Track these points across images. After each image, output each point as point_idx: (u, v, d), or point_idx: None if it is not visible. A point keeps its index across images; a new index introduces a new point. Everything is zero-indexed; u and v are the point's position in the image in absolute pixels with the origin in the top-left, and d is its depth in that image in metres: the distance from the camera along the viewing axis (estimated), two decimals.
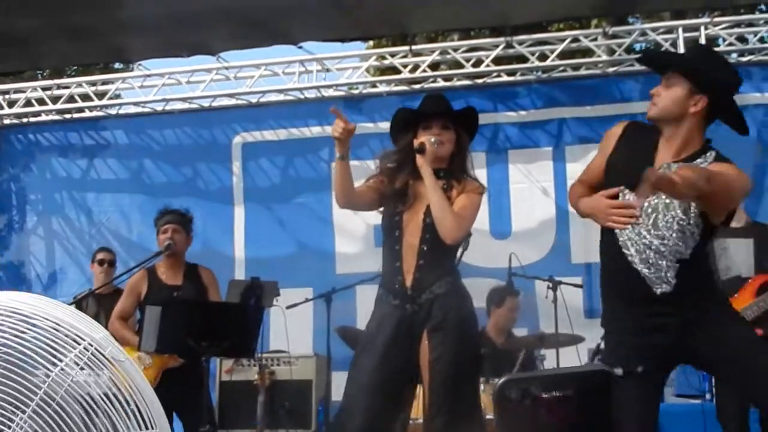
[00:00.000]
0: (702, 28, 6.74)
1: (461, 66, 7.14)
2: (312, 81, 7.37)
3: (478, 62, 7.11)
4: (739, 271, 4.84)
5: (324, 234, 7.18)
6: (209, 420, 4.66)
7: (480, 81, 7.22)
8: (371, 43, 11.01)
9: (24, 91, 7.87)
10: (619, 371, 2.94)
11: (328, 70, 7.37)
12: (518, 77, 7.20)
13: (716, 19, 6.81)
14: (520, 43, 6.97)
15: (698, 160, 2.97)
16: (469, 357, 3.49)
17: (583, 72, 7.11)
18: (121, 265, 6.27)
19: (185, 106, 7.72)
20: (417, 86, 7.34)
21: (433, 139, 3.56)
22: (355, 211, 4.60)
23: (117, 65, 10.39)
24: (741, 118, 3.09)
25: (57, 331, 1.88)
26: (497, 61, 7.16)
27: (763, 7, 9.69)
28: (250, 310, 4.95)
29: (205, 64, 7.40)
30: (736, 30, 6.84)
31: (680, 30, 6.75)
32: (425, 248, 3.50)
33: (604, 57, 7.03)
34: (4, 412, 1.90)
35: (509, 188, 6.99)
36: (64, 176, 7.91)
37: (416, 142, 3.58)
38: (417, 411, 4.08)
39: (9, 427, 1.88)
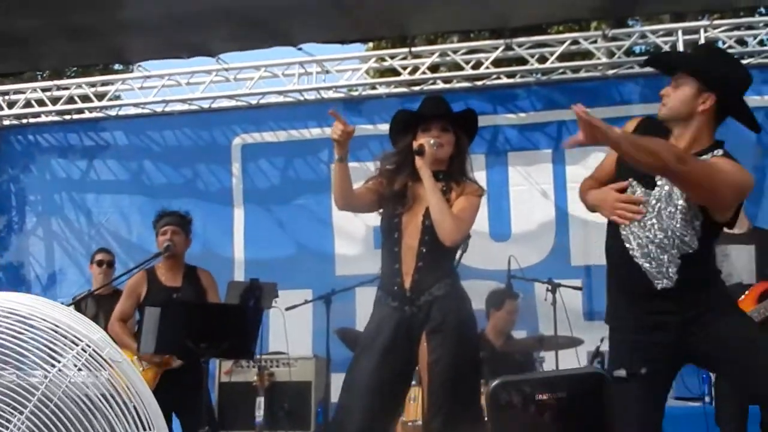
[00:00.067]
0: (701, 30, 6.73)
1: (461, 68, 7.14)
2: (311, 83, 7.38)
3: (477, 64, 7.11)
4: (741, 278, 4.84)
5: (323, 235, 7.18)
6: (209, 421, 4.66)
7: (479, 83, 7.23)
8: (371, 44, 11.02)
9: (24, 92, 7.87)
10: (622, 373, 2.93)
11: (327, 72, 7.37)
12: (518, 79, 7.20)
13: (716, 22, 6.83)
14: (520, 45, 6.97)
15: (704, 157, 2.97)
16: (468, 359, 3.48)
17: (582, 74, 7.11)
18: (121, 266, 6.28)
19: (185, 107, 7.72)
20: (416, 88, 7.34)
21: (432, 141, 3.56)
22: (354, 213, 4.60)
23: (117, 66, 10.40)
24: (751, 115, 3.09)
25: (54, 332, 1.88)
26: (497, 63, 7.16)
27: (762, 9, 9.69)
28: (249, 312, 4.95)
29: (205, 65, 7.41)
30: (736, 33, 6.85)
31: (680, 33, 6.76)
32: (424, 250, 3.50)
33: (604, 59, 7.04)
34: (2, 413, 1.90)
35: (509, 190, 7.00)
36: (63, 177, 7.92)
37: (415, 144, 3.59)
38: (416, 413, 4.09)
39: (6, 428, 1.87)
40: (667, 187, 2.99)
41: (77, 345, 1.85)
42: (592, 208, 3.23)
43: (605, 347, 4.11)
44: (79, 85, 7.84)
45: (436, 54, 7.23)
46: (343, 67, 7.45)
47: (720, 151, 2.99)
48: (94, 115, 7.94)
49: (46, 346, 1.86)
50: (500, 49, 7.00)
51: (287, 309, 5.76)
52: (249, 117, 7.62)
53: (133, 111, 7.91)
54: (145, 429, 1.89)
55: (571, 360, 5.53)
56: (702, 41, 6.64)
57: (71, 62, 8.22)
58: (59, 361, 1.85)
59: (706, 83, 2.97)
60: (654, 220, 2.99)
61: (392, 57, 7.36)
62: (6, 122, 8.07)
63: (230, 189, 7.53)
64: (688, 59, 3.44)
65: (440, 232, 3.45)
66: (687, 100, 2.98)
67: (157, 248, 5.29)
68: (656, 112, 3.13)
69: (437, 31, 8.67)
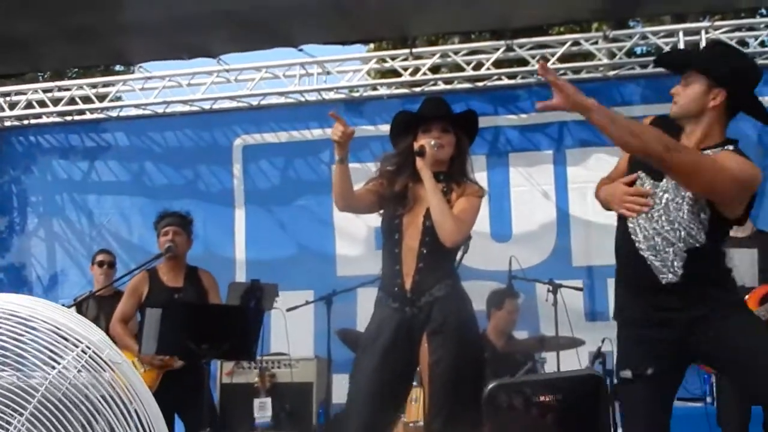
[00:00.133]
0: (702, 31, 6.73)
1: (462, 69, 7.14)
2: (313, 84, 7.38)
3: (478, 65, 7.11)
4: (743, 281, 4.80)
5: (325, 236, 7.19)
6: (211, 421, 4.66)
7: (480, 84, 7.23)
8: (372, 46, 11.02)
9: (25, 93, 7.88)
10: (628, 374, 2.93)
11: (328, 73, 7.38)
12: (519, 80, 7.20)
13: (717, 23, 6.81)
14: (521, 46, 6.97)
15: (714, 150, 2.96)
16: (469, 360, 3.47)
17: (583, 75, 7.10)
18: (122, 267, 6.28)
19: (186, 108, 7.72)
20: (417, 89, 7.35)
21: (432, 142, 3.56)
22: (355, 214, 4.60)
23: (118, 67, 10.38)
24: (763, 110, 3.08)
25: (54, 333, 1.88)
26: (498, 64, 7.16)
27: (763, 10, 9.70)
28: (250, 313, 4.96)
29: (206, 66, 7.42)
30: (737, 34, 6.84)
31: (681, 33, 6.75)
32: (425, 251, 3.50)
33: (605, 60, 7.04)
34: (2, 414, 1.90)
35: (510, 191, 6.99)
36: (64, 178, 7.92)
37: (416, 145, 3.59)
38: (418, 414, 4.09)
39: (7, 430, 1.88)
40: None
41: (77, 347, 1.85)
42: (604, 205, 3.22)
43: (606, 348, 4.12)
44: (80, 86, 7.85)
45: (437, 55, 7.23)
46: (344, 68, 7.45)
47: (730, 147, 2.98)
48: (95, 116, 7.94)
49: (46, 347, 1.87)
50: (501, 50, 7.00)
51: (288, 310, 5.77)
52: (250, 118, 7.63)
53: (134, 112, 7.91)
54: (145, 431, 1.90)
55: (573, 360, 5.53)
56: (703, 42, 6.64)
57: (72, 63, 8.23)
58: (59, 363, 1.85)
59: (716, 79, 2.96)
60: (661, 212, 2.98)
61: (393, 58, 7.36)
62: (7, 123, 8.08)
63: (231, 190, 7.53)
64: (696, 57, 3.44)
65: (441, 233, 3.45)
66: (697, 96, 2.98)
67: (159, 249, 5.29)
68: (657, 113, 3.13)
69: (438, 33, 8.69)
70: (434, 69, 7.34)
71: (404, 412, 4.81)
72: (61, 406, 1.84)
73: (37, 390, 1.87)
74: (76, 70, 10.40)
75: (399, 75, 7.29)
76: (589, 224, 6.57)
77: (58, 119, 7.97)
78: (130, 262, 6.57)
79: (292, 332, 5.90)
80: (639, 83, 6.85)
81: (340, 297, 5.75)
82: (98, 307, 5.83)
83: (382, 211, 3.67)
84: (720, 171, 2.86)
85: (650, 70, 6.86)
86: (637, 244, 3.00)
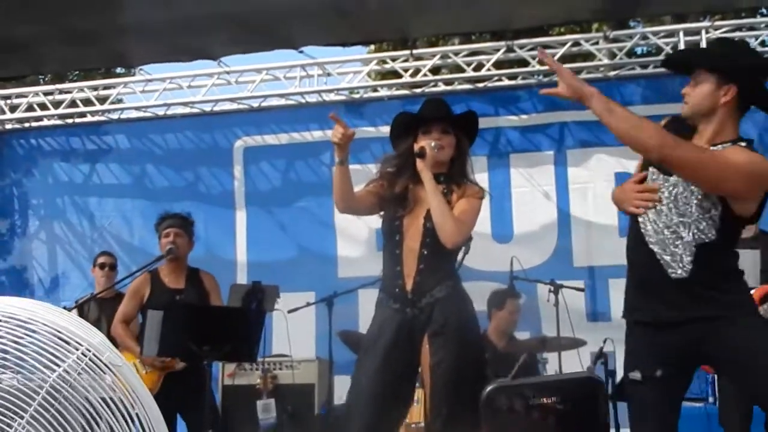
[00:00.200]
0: (703, 31, 6.73)
1: (462, 70, 7.14)
2: (313, 85, 7.39)
3: (479, 66, 7.12)
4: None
5: (326, 238, 7.19)
6: (213, 422, 4.66)
7: (481, 85, 7.23)
8: (372, 47, 11.01)
9: (26, 96, 7.89)
10: (637, 376, 2.92)
11: (329, 75, 7.38)
12: (519, 81, 7.21)
13: (717, 23, 6.81)
14: (521, 47, 6.98)
15: (725, 146, 2.95)
16: (470, 361, 3.47)
17: (584, 76, 7.07)
18: (123, 269, 6.29)
19: (187, 110, 7.74)
20: (418, 90, 7.35)
21: (433, 144, 3.55)
22: (356, 215, 4.60)
23: (118, 70, 10.42)
24: None
25: (55, 336, 1.88)
26: (498, 65, 7.16)
27: (764, 10, 9.69)
28: (252, 315, 4.96)
29: (207, 68, 7.43)
30: (738, 33, 6.83)
31: (681, 34, 6.76)
32: (426, 252, 3.50)
33: (606, 61, 7.04)
34: (3, 417, 1.90)
35: (511, 192, 7.00)
36: (66, 181, 7.94)
37: (416, 147, 3.58)
38: (419, 415, 4.08)
39: None
40: None
41: (77, 349, 1.85)
42: (619, 207, 3.20)
43: (608, 348, 4.12)
44: (81, 89, 7.86)
45: (438, 56, 7.24)
46: (345, 69, 7.46)
47: (743, 143, 2.97)
48: (96, 118, 7.96)
49: (46, 350, 1.87)
50: (501, 50, 7.00)
51: (290, 311, 5.77)
52: (251, 120, 7.64)
53: (135, 114, 7.92)
54: None
55: (574, 361, 5.53)
56: (703, 42, 6.64)
57: (73, 66, 8.23)
58: (59, 365, 1.85)
59: (726, 75, 2.96)
60: (671, 205, 2.97)
61: (393, 59, 7.37)
62: (8, 126, 8.09)
63: (232, 192, 7.54)
64: (703, 55, 3.44)
65: (441, 234, 3.45)
66: (708, 94, 2.97)
67: (160, 251, 5.29)
68: (657, 113, 3.14)
69: (438, 34, 8.67)
70: (435, 70, 7.34)
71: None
72: (61, 409, 1.84)
73: (37, 393, 1.87)
74: (77, 72, 10.39)
75: (399, 76, 7.30)
76: (590, 225, 6.58)
77: (59, 122, 7.99)
78: (132, 264, 6.57)
79: (293, 334, 5.90)
80: (639, 83, 6.85)
81: (342, 298, 5.74)
82: (100, 309, 5.83)
83: (382, 213, 3.68)
84: (725, 165, 2.85)
85: (651, 70, 6.87)
86: (647, 238, 2.99)
